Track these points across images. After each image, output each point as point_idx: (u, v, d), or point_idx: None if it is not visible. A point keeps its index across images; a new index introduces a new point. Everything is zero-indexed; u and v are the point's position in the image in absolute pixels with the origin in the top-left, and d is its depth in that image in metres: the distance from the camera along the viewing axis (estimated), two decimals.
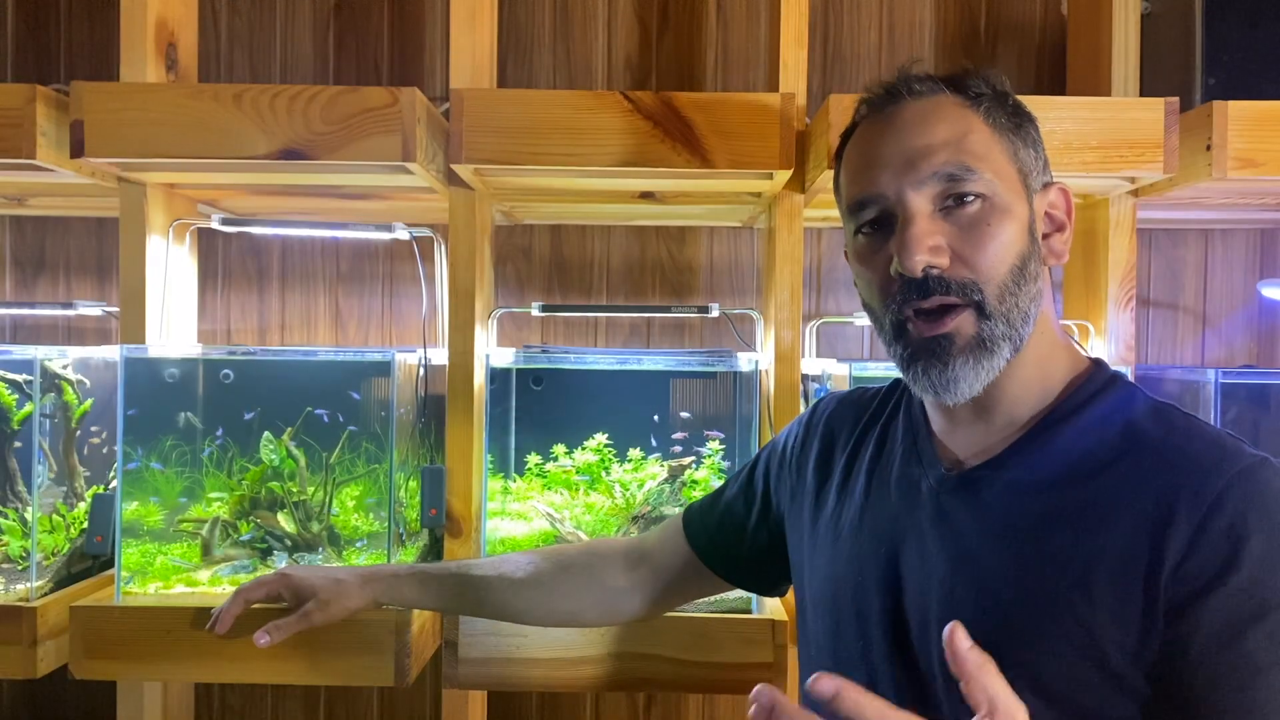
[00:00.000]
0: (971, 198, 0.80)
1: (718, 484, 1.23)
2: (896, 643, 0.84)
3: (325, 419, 1.41)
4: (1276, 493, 0.73)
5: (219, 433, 1.43)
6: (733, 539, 1.08)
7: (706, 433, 1.47)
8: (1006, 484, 0.81)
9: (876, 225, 0.84)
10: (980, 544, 0.80)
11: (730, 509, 1.09)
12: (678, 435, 1.49)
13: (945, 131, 0.81)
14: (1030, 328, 0.82)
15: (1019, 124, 0.85)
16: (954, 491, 0.84)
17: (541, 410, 1.58)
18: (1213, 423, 1.32)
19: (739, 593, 1.24)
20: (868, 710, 0.60)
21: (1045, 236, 0.85)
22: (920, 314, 0.81)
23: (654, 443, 1.51)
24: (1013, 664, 0.75)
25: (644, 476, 1.47)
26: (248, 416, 1.42)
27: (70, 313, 1.81)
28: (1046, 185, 0.86)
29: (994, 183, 0.80)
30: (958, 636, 0.62)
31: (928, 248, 0.78)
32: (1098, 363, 0.87)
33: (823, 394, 1.10)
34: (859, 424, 0.98)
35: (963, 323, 0.79)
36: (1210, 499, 0.72)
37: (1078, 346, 0.90)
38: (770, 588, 1.12)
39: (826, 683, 0.60)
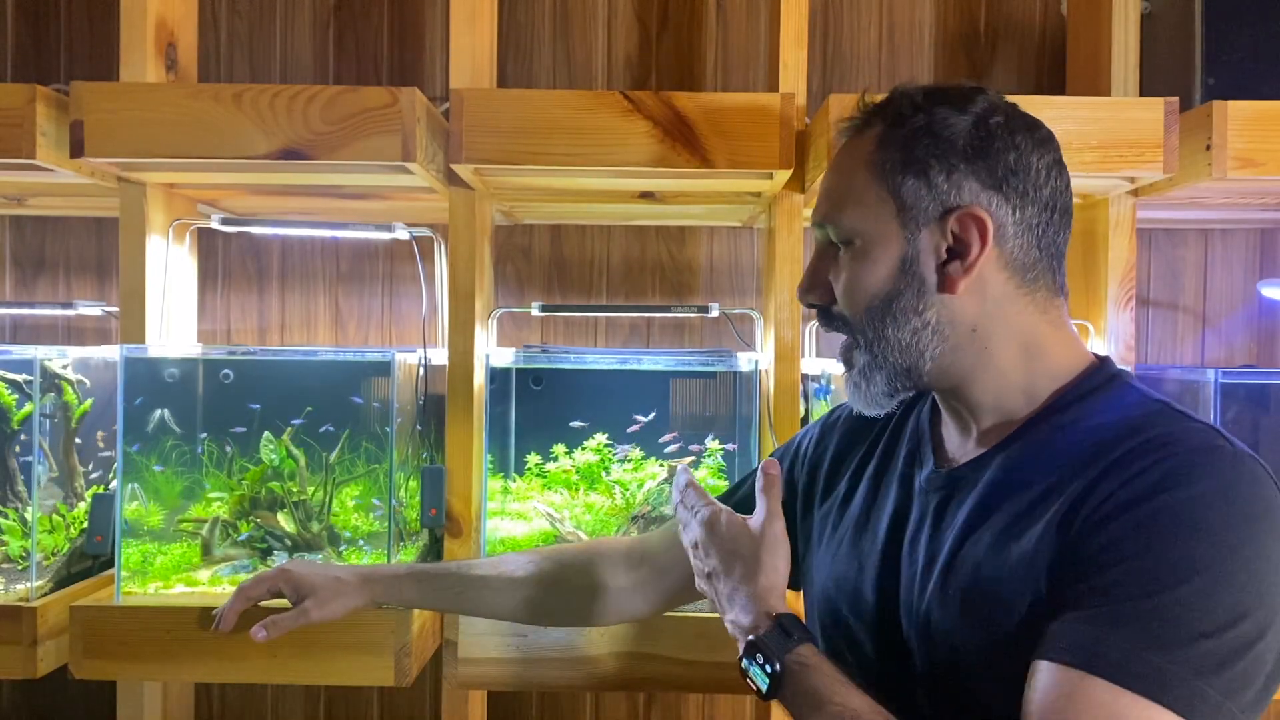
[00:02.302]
0: (843, 245, 0.85)
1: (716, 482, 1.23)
2: (887, 641, 0.84)
3: (319, 423, 1.40)
4: (1204, 454, 0.72)
5: (190, 435, 1.43)
6: None
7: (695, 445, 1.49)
8: (987, 483, 0.81)
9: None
10: (966, 543, 0.80)
11: (739, 510, 1.08)
12: (666, 438, 1.49)
13: (832, 179, 0.87)
14: (927, 359, 0.82)
15: (911, 157, 0.80)
16: (940, 490, 0.85)
17: (541, 410, 1.58)
18: (1212, 423, 1.31)
19: None
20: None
21: (944, 264, 0.81)
22: None
23: (629, 437, 1.52)
24: (1001, 669, 0.74)
25: (644, 476, 1.47)
26: (235, 430, 1.42)
27: (70, 313, 1.81)
28: (949, 211, 0.80)
29: (857, 228, 0.83)
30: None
31: (806, 286, 0.89)
32: (1100, 362, 0.85)
33: (823, 394, 1.09)
34: (875, 428, 0.98)
35: (849, 352, 0.88)
36: (1127, 448, 0.73)
37: (1086, 346, 0.89)
38: None
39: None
